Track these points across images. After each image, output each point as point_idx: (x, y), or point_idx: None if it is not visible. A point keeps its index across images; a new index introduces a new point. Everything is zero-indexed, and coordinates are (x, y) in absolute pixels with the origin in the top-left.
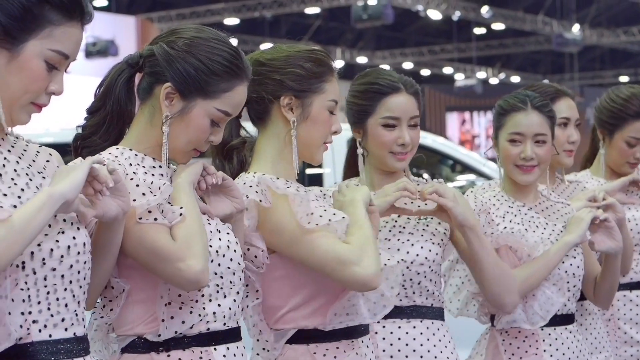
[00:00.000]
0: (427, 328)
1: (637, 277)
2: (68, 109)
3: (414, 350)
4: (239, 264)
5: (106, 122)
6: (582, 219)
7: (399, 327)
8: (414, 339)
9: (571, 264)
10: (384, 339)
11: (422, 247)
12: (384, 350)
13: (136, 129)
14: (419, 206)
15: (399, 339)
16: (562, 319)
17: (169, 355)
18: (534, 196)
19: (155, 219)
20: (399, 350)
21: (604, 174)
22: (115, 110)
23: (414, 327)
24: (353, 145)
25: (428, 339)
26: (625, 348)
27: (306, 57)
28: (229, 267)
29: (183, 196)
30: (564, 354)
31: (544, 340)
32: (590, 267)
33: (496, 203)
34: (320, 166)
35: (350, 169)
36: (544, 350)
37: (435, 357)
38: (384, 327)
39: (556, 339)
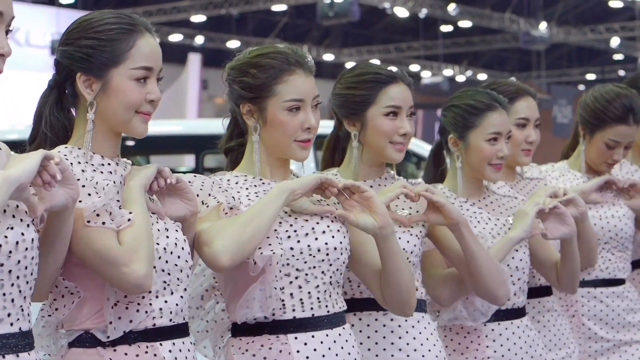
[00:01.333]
0: (406, 321)
1: (602, 274)
2: (34, 105)
3: (392, 343)
4: (187, 261)
5: (47, 143)
6: (526, 213)
7: (376, 320)
8: (392, 331)
9: (513, 257)
10: (360, 331)
11: (400, 238)
12: (361, 343)
13: (78, 130)
14: (409, 213)
15: (376, 331)
16: (506, 314)
17: (115, 350)
18: (478, 192)
19: (103, 223)
20: (377, 343)
21: (583, 169)
22: (50, 134)
23: (392, 319)
24: (334, 139)
25: (407, 332)
26: (590, 344)
27: (254, 64)
28: (176, 265)
29: (133, 200)
30: (509, 349)
31: (486, 336)
32: (548, 255)
33: None
34: None
35: (329, 162)
36: (487, 346)
37: (415, 349)
38: (360, 319)
39: (500, 334)
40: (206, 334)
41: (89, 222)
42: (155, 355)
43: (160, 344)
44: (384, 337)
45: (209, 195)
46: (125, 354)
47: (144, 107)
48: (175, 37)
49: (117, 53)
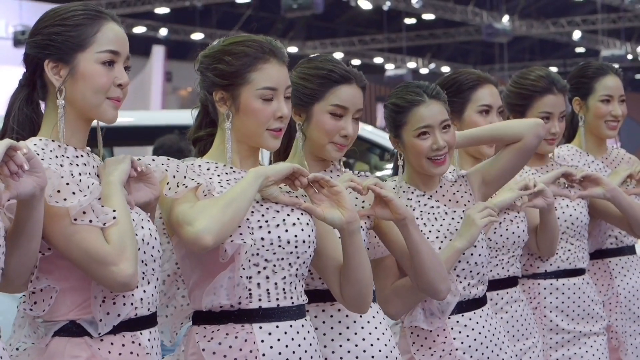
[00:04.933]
0: None
1: (563, 265)
2: None
3: (340, 334)
4: (159, 251)
5: (14, 133)
6: (474, 223)
7: (323, 311)
8: (340, 322)
9: (472, 254)
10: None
11: None
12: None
13: (47, 120)
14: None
15: (324, 322)
16: (468, 305)
17: (102, 340)
18: (434, 183)
19: (90, 221)
20: (325, 334)
21: None
22: (16, 126)
23: (339, 310)
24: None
25: (355, 322)
26: (551, 335)
27: (229, 51)
28: (151, 255)
29: (114, 196)
30: (475, 339)
31: (452, 328)
32: (530, 219)
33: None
34: None
35: (278, 152)
36: (454, 338)
37: (364, 339)
38: (307, 311)
39: (465, 325)
40: (165, 320)
41: (75, 220)
42: (139, 344)
43: (141, 333)
44: (332, 328)
45: (185, 177)
46: (112, 343)
47: (112, 92)
48: (139, 29)
49: (83, 37)
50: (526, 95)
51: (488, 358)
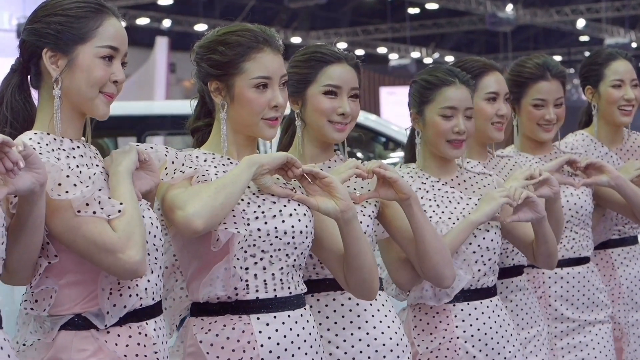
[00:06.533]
0: None
1: (568, 254)
2: None
3: (351, 322)
4: (160, 239)
5: (7, 125)
6: (494, 199)
7: (334, 300)
8: (350, 310)
9: (484, 238)
10: (319, 312)
11: None
12: (320, 324)
13: (42, 112)
14: (357, 193)
15: (335, 311)
16: (476, 294)
17: (108, 332)
18: (451, 170)
19: (94, 212)
20: (336, 323)
21: (519, 145)
22: (11, 116)
23: (349, 298)
24: (288, 121)
25: (365, 310)
26: (556, 324)
27: (222, 41)
28: (153, 244)
29: (122, 186)
30: (478, 329)
31: (455, 316)
32: (523, 234)
33: (409, 180)
34: None
35: (285, 143)
36: (456, 326)
37: (374, 327)
38: (318, 300)
39: (469, 314)
40: (164, 312)
41: (79, 212)
42: (146, 334)
43: (147, 323)
44: (343, 317)
45: (183, 164)
46: (118, 335)
47: (107, 87)
48: (143, 21)
49: (84, 30)
50: (520, 83)
51: (492, 349)
